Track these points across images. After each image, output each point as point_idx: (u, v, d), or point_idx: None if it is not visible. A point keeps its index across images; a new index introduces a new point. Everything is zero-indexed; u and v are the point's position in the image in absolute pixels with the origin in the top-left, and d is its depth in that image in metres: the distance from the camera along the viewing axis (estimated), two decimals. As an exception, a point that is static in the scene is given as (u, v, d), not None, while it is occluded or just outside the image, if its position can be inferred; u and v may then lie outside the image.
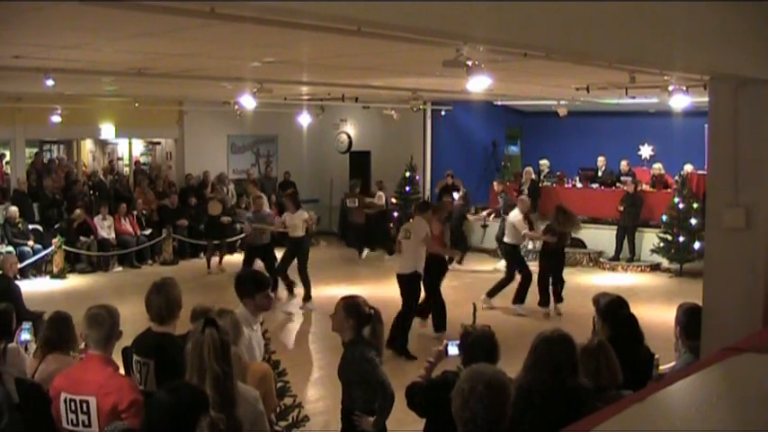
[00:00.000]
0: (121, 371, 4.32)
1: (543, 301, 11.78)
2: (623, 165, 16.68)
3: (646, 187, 16.09)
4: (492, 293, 12.07)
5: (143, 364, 4.32)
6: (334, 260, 16.79)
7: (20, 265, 12.31)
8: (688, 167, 15.28)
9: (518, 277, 12.13)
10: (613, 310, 4.98)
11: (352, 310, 4.86)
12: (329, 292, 12.52)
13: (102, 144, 21.33)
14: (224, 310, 4.41)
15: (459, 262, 15.37)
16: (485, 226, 17.17)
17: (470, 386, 3.11)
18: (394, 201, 18.34)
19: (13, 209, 14.85)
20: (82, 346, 4.80)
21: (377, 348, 4.92)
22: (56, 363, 4.69)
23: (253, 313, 5.11)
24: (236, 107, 14.52)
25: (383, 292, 12.08)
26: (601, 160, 17.20)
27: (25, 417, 4.22)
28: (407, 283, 9.85)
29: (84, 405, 3.83)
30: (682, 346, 4.85)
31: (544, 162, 17.86)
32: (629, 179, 15.91)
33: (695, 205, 14.49)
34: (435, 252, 10.23)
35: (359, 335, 4.85)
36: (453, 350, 4.65)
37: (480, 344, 4.37)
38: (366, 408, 4.87)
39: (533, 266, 12.26)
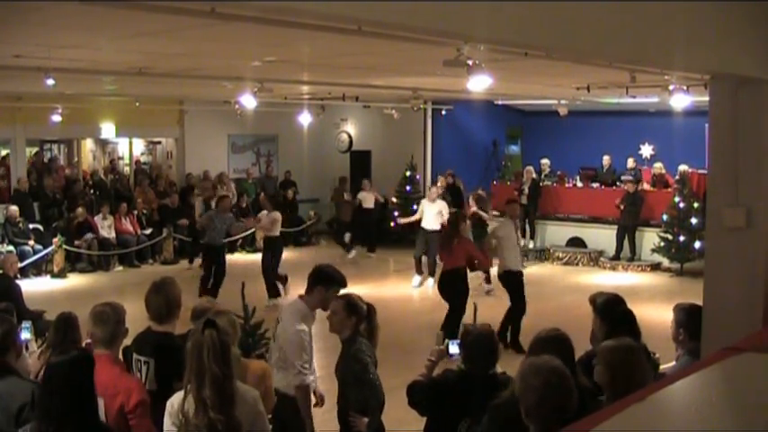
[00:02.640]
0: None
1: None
2: (630, 162, 16.63)
3: (646, 186, 16.08)
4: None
5: (143, 363, 4.33)
6: (334, 260, 16.74)
7: (20, 265, 12.31)
8: (683, 167, 15.27)
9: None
10: (611, 307, 4.95)
11: (353, 308, 4.92)
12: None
13: (102, 143, 21.32)
14: (221, 311, 4.41)
15: None
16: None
17: (543, 380, 3.15)
18: (394, 200, 18.30)
19: (14, 208, 14.85)
20: (83, 345, 4.81)
21: (373, 344, 4.99)
22: None
23: (312, 307, 5.12)
24: (237, 106, 14.52)
25: (381, 291, 12.08)
26: (606, 159, 17.20)
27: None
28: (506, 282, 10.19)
29: None
30: (680, 349, 4.81)
31: (545, 161, 17.84)
32: (630, 178, 15.89)
33: (696, 205, 14.48)
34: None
35: (356, 332, 4.92)
36: (454, 349, 4.66)
37: (481, 342, 4.38)
38: (360, 407, 4.88)
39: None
